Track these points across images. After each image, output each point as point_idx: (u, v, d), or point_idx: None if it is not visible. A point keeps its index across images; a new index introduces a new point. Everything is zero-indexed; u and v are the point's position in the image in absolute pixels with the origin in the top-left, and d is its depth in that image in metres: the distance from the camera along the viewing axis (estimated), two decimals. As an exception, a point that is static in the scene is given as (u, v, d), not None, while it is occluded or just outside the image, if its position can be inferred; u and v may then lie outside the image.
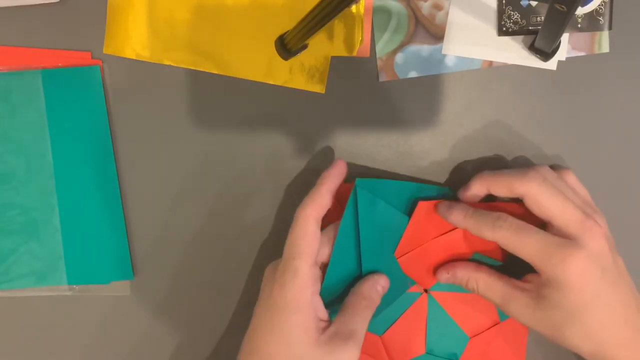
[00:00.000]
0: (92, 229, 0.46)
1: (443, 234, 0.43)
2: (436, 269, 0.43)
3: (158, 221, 0.46)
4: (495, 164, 0.45)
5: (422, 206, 0.42)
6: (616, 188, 0.46)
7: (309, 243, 0.38)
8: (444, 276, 0.43)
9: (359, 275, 0.42)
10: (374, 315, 0.40)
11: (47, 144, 0.45)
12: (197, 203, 0.46)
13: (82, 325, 0.47)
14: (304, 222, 0.39)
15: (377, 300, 0.41)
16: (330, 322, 0.39)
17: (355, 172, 0.46)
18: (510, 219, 0.39)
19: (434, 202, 0.42)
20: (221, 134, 0.45)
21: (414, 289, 0.44)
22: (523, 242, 0.38)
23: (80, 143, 0.45)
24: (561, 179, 0.41)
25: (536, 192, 0.38)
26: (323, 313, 0.39)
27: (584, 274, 0.37)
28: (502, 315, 0.45)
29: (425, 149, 0.45)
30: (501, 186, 0.40)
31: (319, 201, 0.39)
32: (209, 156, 0.46)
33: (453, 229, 0.43)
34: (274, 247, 0.46)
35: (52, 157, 0.45)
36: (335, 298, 0.41)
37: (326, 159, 0.46)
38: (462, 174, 0.45)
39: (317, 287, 0.39)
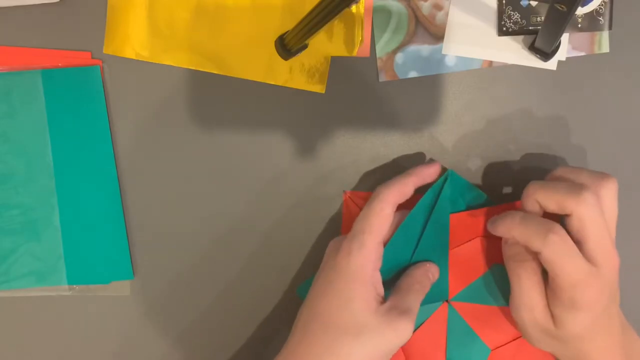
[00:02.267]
0: (92, 229, 0.46)
1: (461, 244, 0.43)
2: (455, 279, 0.43)
3: (158, 221, 0.46)
4: (495, 164, 0.45)
5: (453, 218, 0.43)
6: (616, 188, 0.46)
7: (381, 222, 0.39)
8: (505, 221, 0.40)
9: (409, 265, 0.42)
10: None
11: (47, 144, 0.45)
12: (197, 203, 0.46)
13: (82, 325, 0.47)
14: (382, 202, 0.39)
15: (427, 287, 0.41)
16: (385, 299, 0.40)
17: (355, 172, 0.46)
18: (563, 234, 0.37)
19: (465, 212, 0.43)
20: (221, 134, 0.45)
21: (433, 300, 0.44)
22: (565, 265, 0.37)
23: (80, 143, 0.45)
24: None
25: (584, 214, 0.37)
26: (381, 289, 0.40)
27: (596, 300, 0.37)
28: None
29: (425, 149, 0.45)
30: (552, 202, 0.38)
31: (403, 189, 0.40)
32: (209, 156, 0.46)
33: (471, 239, 0.43)
34: (274, 246, 0.46)
35: (52, 157, 0.45)
36: (385, 281, 0.41)
37: (326, 159, 0.46)
38: (462, 174, 0.45)
39: (379, 264, 0.40)
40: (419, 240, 0.42)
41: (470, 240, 0.43)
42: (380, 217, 0.39)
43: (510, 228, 0.39)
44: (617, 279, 0.39)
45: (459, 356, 0.44)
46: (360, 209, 0.43)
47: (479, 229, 0.44)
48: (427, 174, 0.41)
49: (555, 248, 0.37)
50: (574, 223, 0.37)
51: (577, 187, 0.37)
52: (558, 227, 0.37)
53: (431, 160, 0.43)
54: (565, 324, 0.38)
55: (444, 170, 0.43)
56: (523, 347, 0.44)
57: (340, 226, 0.46)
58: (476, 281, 0.44)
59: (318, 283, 0.40)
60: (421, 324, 0.44)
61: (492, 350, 0.44)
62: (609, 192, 0.38)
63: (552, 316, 0.39)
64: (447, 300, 0.44)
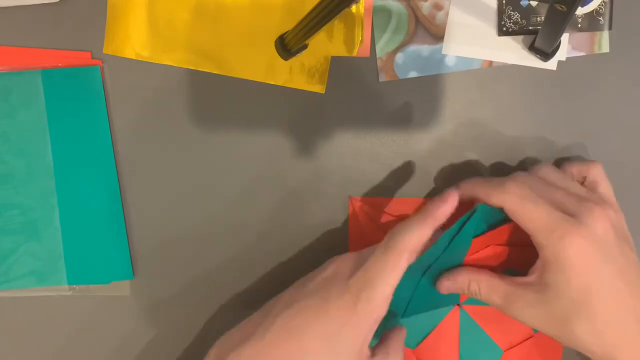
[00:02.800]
0: (92, 229, 0.46)
1: (473, 253, 0.42)
2: None
3: (158, 221, 0.46)
4: (495, 164, 0.45)
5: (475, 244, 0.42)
6: (616, 188, 0.45)
7: (396, 275, 0.36)
8: (444, 284, 0.40)
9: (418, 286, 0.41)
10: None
11: (47, 144, 0.45)
12: (197, 203, 0.46)
13: (82, 325, 0.47)
14: (400, 254, 0.36)
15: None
16: (370, 350, 0.37)
17: (355, 172, 0.46)
18: (521, 186, 0.37)
19: (484, 235, 0.41)
20: (221, 134, 0.45)
21: (445, 304, 0.44)
22: (530, 211, 0.37)
23: (80, 143, 0.45)
24: (553, 174, 0.39)
25: (512, 204, 0.37)
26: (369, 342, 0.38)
27: (584, 253, 0.35)
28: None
29: (425, 149, 0.45)
30: (481, 195, 0.39)
31: (422, 235, 0.36)
32: (209, 156, 0.46)
33: (483, 248, 0.42)
34: (274, 246, 0.46)
35: (52, 157, 0.45)
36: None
37: (326, 159, 0.46)
38: (462, 174, 0.45)
39: (383, 314, 0.37)
40: (437, 259, 0.41)
41: (484, 248, 0.43)
42: (397, 270, 0.36)
43: (473, 187, 0.39)
44: (613, 235, 0.36)
45: (473, 358, 0.44)
46: (368, 215, 0.43)
47: (494, 240, 0.42)
48: (446, 211, 0.38)
49: (512, 198, 0.37)
50: (512, 216, 0.38)
51: (500, 180, 0.39)
52: (515, 181, 0.38)
53: (449, 191, 0.39)
54: (558, 290, 0.36)
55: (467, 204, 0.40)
56: (534, 348, 0.44)
57: (340, 227, 0.46)
58: None
59: (308, 304, 0.37)
60: (433, 329, 0.44)
61: (504, 351, 0.44)
62: (529, 179, 0.39)
63: (546, 287, 0.37)
64: (458, 304, 0.44)
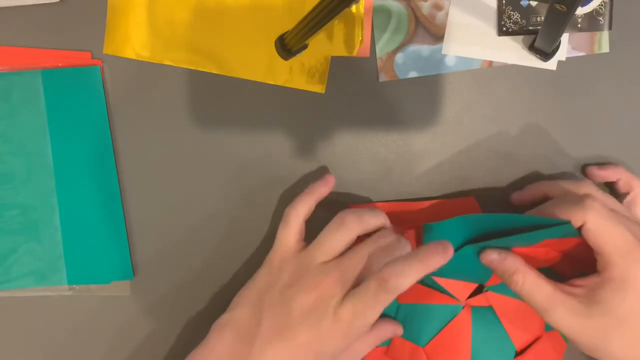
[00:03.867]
0: (92, 229, 0.46)
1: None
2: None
3: (158, 221, 0.46)
4: (496, 164, 0.45)
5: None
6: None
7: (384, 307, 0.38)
8: (491, 256, 0.39)
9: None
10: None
11: (47, 144, 0.45)
12: (197, 203, 0.46)
13: (82, 325, 0.47)
14: (394, 296, 0.37)
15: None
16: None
17: (355, 172, 0.46)
18: (602, 205, 0.38)
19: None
20: (221, 134, 0.45)
21: (454, 302, 0.44)
22: (611, 232, 0.37)
23: (80, 143, 0.45)
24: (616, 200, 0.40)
25: (594, 223, 0.38)
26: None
27: None
28: (547, 327, 0.44)
29: (425, 149, 0.45)
30: (557, 212, 0.39)
31: (417, 279, 0.37)
32: (209, 156, 0.46)
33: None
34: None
35: (52, 157, 0.45)
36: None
37: (326, 159, 0.46)
38: (462, 174, 0.45)
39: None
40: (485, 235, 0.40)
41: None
42: (386, 305, 0.37)
43: (549, 205, 0.39)
44: None
45: (485, 357, 0.44)
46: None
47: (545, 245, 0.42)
48: (437, 262, 0.37)
49: (598, 211, 0.37)
50: (589, 235, 0.38)
51: (577, 197, 0.39)
52: (594, 193, 0.39)
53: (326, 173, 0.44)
54: (610, 307, 0.37)
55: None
56: (541, 344, 0.44)
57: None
58: (496, 285, 0.43)
59: (302, 331, 0.38)
60: (444, 327, 0.43)
61: (517, 351, 0.44)
62: (606, 199, 0.40)
63: (596, 302, 0.37)
64: (482, 289, 0.43)
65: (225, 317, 0.41)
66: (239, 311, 0.40)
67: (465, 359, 0.44)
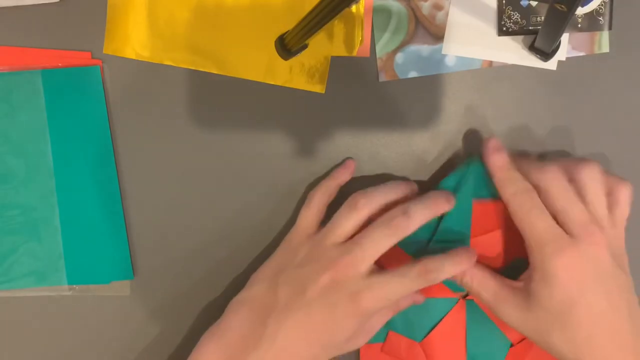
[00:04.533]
0: (92, 229, 0.46)
1: (482, 234, 0.43)
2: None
3: (158, 221, 0.46)
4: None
5: (476, 205, 0.43)
6: (616, 188, 0.46)
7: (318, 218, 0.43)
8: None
9: (428, 243, 0.43)
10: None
11: (47, 144, 0.45)
12: (197, 203, 0.46)
13: (82, 325, 0.47)
14: (316, 202, 0.43)
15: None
16: None
17: (355, 172, 0.46)
18: (534, 194, 0.39)
19: (488, 200, 0.43)
20: (221, 134, 0.45)
21: (451, 295, 0.44)
22: (531, 220, 0.38)
23: (80, 143, 0.45)
24: (590, 181, 0.39)
25: (547, 184, 0.38)
26: None
27: (572, 270, 0.37)
28: None
29: (425, 149, 0.45)
30: (522, 171, 0.40)
31: (330, 190, 0.43)
32: (209, 156, 0.46)
33: (493, 230, 0.43)
34: (274, 246, 0.46)
35: (52, 157, 0.45)
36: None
37: (326, 159, 0.46)
38: (462, 174, 0.45)
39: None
40: (440, 219, 0.42)
41: (492, 231, 0.43)
42: (318, 216, 0.43)
43: (496, 166, 0.41)
44: (608, 260, 0.37)
45: (480, 351, 0.44)
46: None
47: (501, 221, 0.43)
48: (345, 177, 0.44)
49: (519, 201, 0.39)
50: (541, 195, 0.39)
51: (544, 162, 0.40)
52: (530, 188, 0.39)
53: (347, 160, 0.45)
54: (541, 300, 0.37)
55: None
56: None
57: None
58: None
59: (316, 310, 0.39)
60: (439, 321, 0.44)
61: (513, 343, 0.44)
62: (590, 175, 0.39)
63: (531, 296, 0.38)
64: (464, 297, 0.44)
65: (242, 294, 0.42)
66: (256, 288, 0.41)
67: (460, 353, 0.44)
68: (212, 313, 0.47)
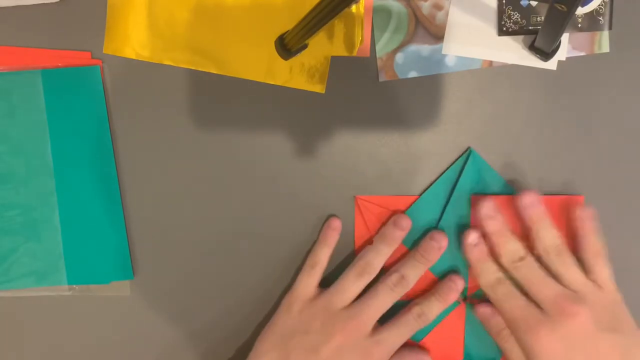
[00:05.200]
0: (92, 229, 0.46)
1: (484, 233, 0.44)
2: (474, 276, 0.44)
3: (158, 221, 0.46)
4: (495, 164, 0.45)
5: (475, 200, 0.44)
6: (616, 188, 0.46)
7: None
8: (484, 310, 0.44)
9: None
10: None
11: (47, 144, 0.45)
12: (197, 203, 0.46)
13: (82, 325, 0.47)
14: (316, 267, 0.45)
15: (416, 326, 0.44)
16: None
17: (355, 172, 0.46)
18: (506, 282, 0.42)
19: (487, 197, 0.44)
20: (221, 134, 0.45)
21: None
22: (504, 305, 0.41)
23: (80, 143, 0.45)
24: (556, 256, 0.41)
25: (519, 272, 0.41)
26: None
27: (550, 347, 0.38)
28: None
29: (425, 149, 0.45)
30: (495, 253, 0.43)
31: (327, 254, 0.45)
32: (209, 156, 0.46)
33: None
34: (274, 246, 0.46)
35: (52, 157, 0.45)
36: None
37: (326, 159, 0.46)
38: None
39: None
40: (441, 214, 0.44)
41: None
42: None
43: (488, 226, 0.43)
44: (592, 331, 0.39)
45: (477, 351, 0.45)
46: (374, 214, 0.45)
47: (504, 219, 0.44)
48: (335, 236, 0.46)
49: (496, 290, 0.42)
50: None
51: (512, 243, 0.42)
52: (503, 278, 0.42)
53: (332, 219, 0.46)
54: None
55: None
56: None
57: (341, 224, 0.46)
58: None
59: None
60: (440, 322, 0.45)
61: None
62: (554, 250, 0.42)
63: None
64: (464, 300, 0.45)
65: None
66: (266, 358, 0.42)
67: (458, 352, 0.45)
68: (212, 313, 0.47)
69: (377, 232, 0.45)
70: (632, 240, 0.46)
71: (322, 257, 0.45)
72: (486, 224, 0.42)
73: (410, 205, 0.45)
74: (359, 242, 0.46)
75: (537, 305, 0.40)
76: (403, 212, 0.45)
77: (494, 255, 0.42)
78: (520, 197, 0.42)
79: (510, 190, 0.45)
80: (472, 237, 0.43)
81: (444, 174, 0.45)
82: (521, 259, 0.41)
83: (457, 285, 0.44)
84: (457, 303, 0.45)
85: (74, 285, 0.47)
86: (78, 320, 0.47)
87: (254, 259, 0.47)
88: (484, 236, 0.43)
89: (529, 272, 0.41)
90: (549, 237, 0.41)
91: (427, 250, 0.43)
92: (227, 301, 0.47)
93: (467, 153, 0.44)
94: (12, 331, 0.47)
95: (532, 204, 0.42)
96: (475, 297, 0.45)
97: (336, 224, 0.45)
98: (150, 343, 0.47)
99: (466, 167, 0.44)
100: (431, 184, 0.45)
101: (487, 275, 0.42)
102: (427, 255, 0.43)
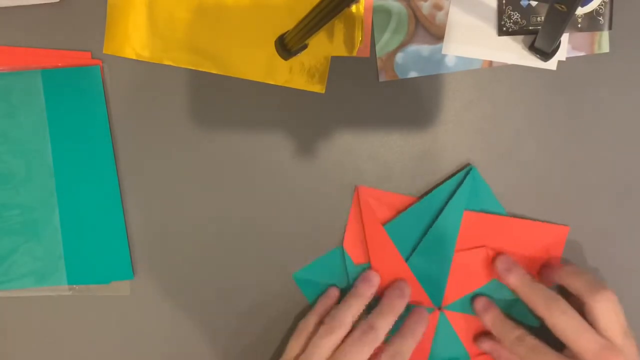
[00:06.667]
0: (92, 229, 0.46)
1: (468, 249, 0.44)
2: (453, 286, 0.45)
3: (158, 221, 0.46)
4: (495, 164, 0.45)
5: (466, 216, 0.44)
6: (616, 188, 0.46)
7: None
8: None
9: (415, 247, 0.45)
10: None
11: (47, 144, 0.45)
12: (197, 203, 0.46)
13: (82, 325, 0.47)
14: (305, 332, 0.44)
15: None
16: None
17: (355, 172, 0.46)
18: (527, 338, 0.41)
19: (479, 214, 0.44)
20: (221, 134, 0.45)
21: (428, 304, 0.45)
22: (578, 339, 0.40)
23: (80, 143, 0.45)
24: (605, 311, 0.41)
25: (555, 320, 0.40)
26: None
27: None
28: None
29: (425, 149, 0.45)
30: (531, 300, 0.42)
31: (317, 320, 0.45)
32: (209, 156, 0.46)
33: (478, 247, 0.44)
34: (274, 246, 0.46)
35: (52, 157, 0.45)
36: None
37: (326, 159, 0.46)
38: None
39: None
40: (429, 226, 0.44)
41: (477, 248, 0.44)
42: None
43: (521, 284, 0.43)
44: None
45: (441, 357, 0.46)
46: (371, 207, 0.45)
47: (489, 237, 0.45)
48: (330, 304, 0.46)
49: (564, 321, 0.40)
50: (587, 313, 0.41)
51: (597, 285, 0.41)
52: (525, 334, 0.42)
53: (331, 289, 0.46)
54: None
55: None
56: None
57: (340, 227, 0.46)
58: (473, 293, 0.45)
59: None
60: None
61: (471, 357, 0.46)
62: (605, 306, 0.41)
63: None
64: (439, 308, 0.45)
65: None
66: None
67: (423, 355, 0.46)
68: (212, 313, 0.47)
69: (369, 227, 0.45)
70: (632, 239, 0.46)
71: (312, 322, 0.45)
72: (507, 276, 0.43)
73: (408, 206, 0.45)
74: (349, 233, 0.46)
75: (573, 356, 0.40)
76: (401, 211, 0.45)
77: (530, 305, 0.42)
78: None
79: (501, 211, 0.45)
80: (481, 303, 0.44)
81: (441, 186, 0.45)
82: (556, 300, 0.41)
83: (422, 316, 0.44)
84: (430, 310, 0.45)
85: (74, 285, 0.47)
86: (78, 320, 0.47)
87: (253, 258, 0.47)
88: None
89: (568, 323, 0.40)
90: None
91: (392, 299, 0.44)
92: (227, 301, 0.47)
93: (467, 169, 0.44)
94: (12, 331, 0.47)
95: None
96: (450, 309, 0.45)
97: (334, 294, 0.46)
98: (150, 343, 0.47)
99: (464, 183, 0.44)
100: (431, 188, 0.45)
101: (508, 333, 0.42)
102: (393, 304, 0.43)
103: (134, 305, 0.47)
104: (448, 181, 0.44)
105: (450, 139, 0.45)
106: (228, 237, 0.46)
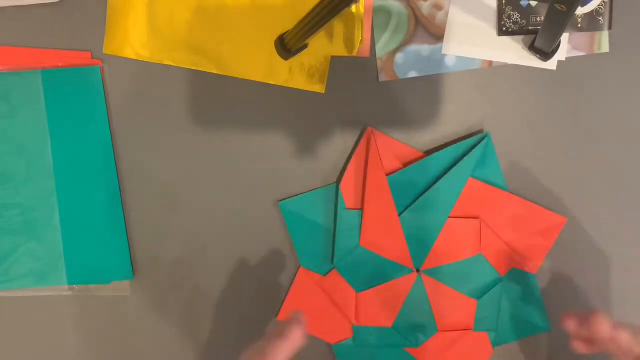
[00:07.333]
0: (92, 229, 0.46)
1: (463, 217, 0.44)
2: (438, 250, 0.44)
3: (158, 221, 0.46)
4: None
5: (470, 183, 0.44)
6: (616, 187, 0.46)
7: None
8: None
9: (412, 204, 0.44)
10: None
11: (47, 144, 0.45)
12: (197, 203, 0.46)
13: (82, 325, 0.47)
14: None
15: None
16: None
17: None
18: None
19: (484, 184, 0.44)
20: (221, 134, 0.45)
21: (408, 264, 0.45)
22: None
23: (80, 143, 0.45)
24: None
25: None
26: None
27: None
28: (477, 326, 0.45)
29: (425, 149, 0.45)
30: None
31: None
32: (209, 156, 0.46)
33: (473, 217, 0.44)
34: (273, 246, 0.46)
35: (52, 157, 0.45)
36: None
37: (326, 158, 0.46)
38: (462, 174, 0.45)
39: None
40: (431, 185, 0.44)
41: (471, 218, 0.44)
42: None
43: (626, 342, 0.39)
44: None
45: (406, 325, 0.45)
46: (377, 151, 0.44)
47: (486, 209, 0.45)
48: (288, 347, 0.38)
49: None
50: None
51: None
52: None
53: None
54: None
55: None
56: (466, 341, 0.45)
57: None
58: (456, 263, 0.45)
59: None
60: (385, 282, 0.45)
61: (438, 331, 0.45)
62: None
63: None
64: (418, 271, 0.45)
65: None
66: None
67: (388, 319, 0.45)
68: (211, 313, 0.47)
69: (372, 172, 0.44)
70: (632, 239, 0.46)
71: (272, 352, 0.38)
72: (619, 336, 0.39)
73: (415, 160, 0.45)
74: (348, 174, 0.45)
75: None
76: (407, 165, 0.45)
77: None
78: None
79: (504, 187, 0.45)
80: (604, 328, 0.40)
81: (452, 146, 0.44)
82: None
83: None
84: (409, 270, 0.45)
85: (74, 285, 0.47)
86: (78, 320, 0.47)
87: (253, 258, 0.47)
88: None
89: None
90: None
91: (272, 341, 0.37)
92: (226, 301, 0.47)
93: (483, 135, 0.44)
94: (12, 331, 0.47)
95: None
96: (428, 274, 0.45)
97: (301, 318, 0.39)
98: (149, 343, 0.47)
99: (477, 148, 0.44)
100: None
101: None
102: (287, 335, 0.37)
103: (134, 305, 0.47)
104: (459, 143, 0.44)
105: (450, 139, 0.45)
106: (227, 237, 0.46)
